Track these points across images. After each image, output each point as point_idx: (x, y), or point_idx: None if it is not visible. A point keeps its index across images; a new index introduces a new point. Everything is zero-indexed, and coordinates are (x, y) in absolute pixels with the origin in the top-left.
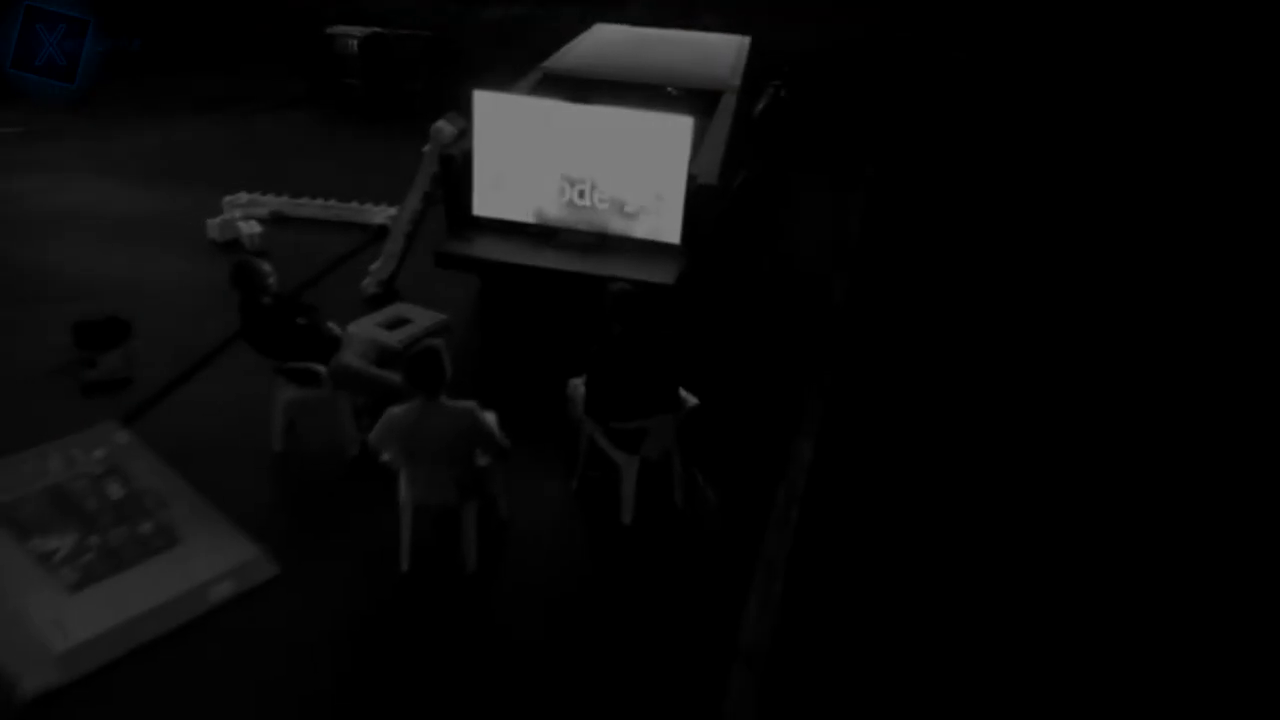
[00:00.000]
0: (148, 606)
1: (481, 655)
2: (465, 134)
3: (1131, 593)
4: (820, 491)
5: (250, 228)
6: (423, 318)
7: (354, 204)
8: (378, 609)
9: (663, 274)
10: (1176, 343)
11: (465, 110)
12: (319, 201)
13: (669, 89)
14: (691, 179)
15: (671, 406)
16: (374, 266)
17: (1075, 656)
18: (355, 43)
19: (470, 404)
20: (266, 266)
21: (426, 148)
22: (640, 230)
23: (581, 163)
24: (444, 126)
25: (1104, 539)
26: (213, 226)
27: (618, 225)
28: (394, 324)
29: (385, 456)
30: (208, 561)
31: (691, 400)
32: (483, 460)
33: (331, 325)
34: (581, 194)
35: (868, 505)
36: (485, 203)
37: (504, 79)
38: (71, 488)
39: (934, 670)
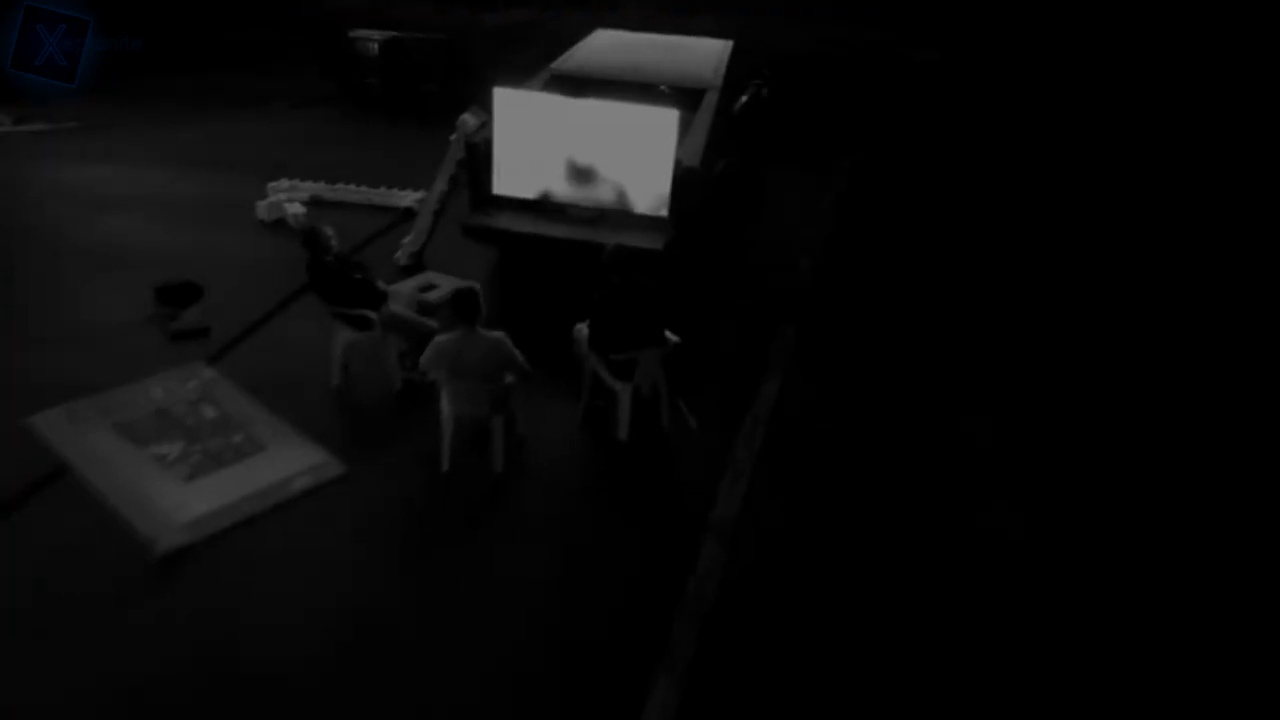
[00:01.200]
0: (246, 492)
1: (505, 535)
2: (486, 125)
3: (1055, 525)
4: (781, 418)
5: (294, 209)
6: (449, 283)
7: (382, 189)
8: (424, 499)
9: (653, 241)
10: (1109, 311)
11: (486, 104)
12: (351, 187)
13: (662, 87)
14: (678, 163)
15: (658, 342)
16: (406, 240)
17: (992, 559)
18: (375, 46)
19: (501, 333)
20: (330, 231)
21: (453, 136)
22: (634, 206)
23: (585, 149)
24: (468, 118)
25: (1015, 458)
26: (261, 208)
27: (615, 202)
28: (424, 289)
29: (432, 376)
30: (288, 462)
31: (674, 339)
32: (509, 379)
33: (380, 282)
34: (593, 175)
35: (820, 431)
36: (503, 183)
37: (508, 78)
38: (174, 410)
39: (867, 550)
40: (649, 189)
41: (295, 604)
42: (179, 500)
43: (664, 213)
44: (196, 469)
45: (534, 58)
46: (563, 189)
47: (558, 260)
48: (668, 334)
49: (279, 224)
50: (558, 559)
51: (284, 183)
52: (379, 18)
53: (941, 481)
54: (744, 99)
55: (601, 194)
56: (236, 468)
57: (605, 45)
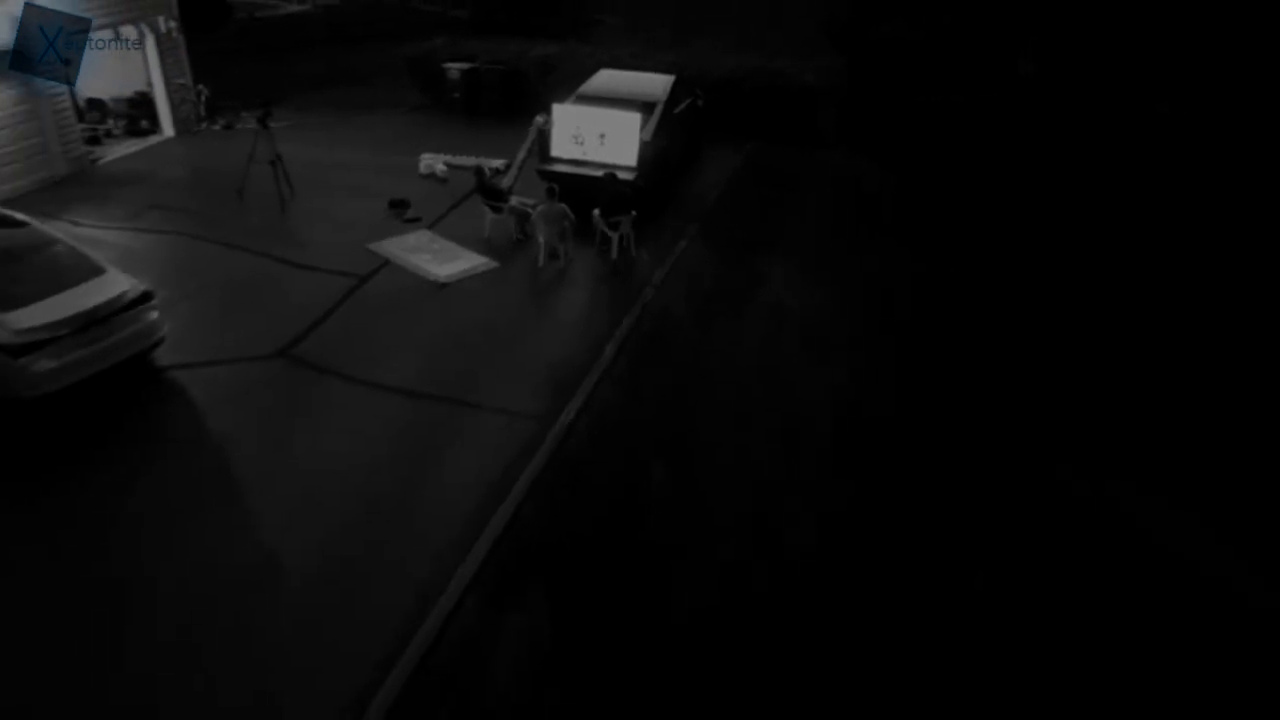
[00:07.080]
0: (463, 269)
1: (564, 286)
2: (548, 120)
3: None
4: (686, 258)
5: (439, 167)
6: (529, 201)
7: (480, 158)
8: (528, 277)
9: (629, 176)
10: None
11: (548, 110)
12: (463, 156)
13: (636, 101)
14: (641, 140)
15: (628, 212)
16: (504, 180)
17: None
18: (458, 72)
19: (564, 204)
20: (485, 166)
21: (530, 127)
22: (619, 161)
23: (597, 132)
24: (538, 118)
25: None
26: (420, 166)
27: (610, 159)
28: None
29: (533, 231)
30: (475, 261)
31: (635, 213)
32: (567, 224)
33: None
34: (600, 145)
35: (700, 261)
36: (558, 150)
37: (555, 95)
38: (420, 243)
39: (717, 303)
40: (626, 152)
41: (492, 302)
42: (439, 269)
43: (634, 163)
44: (440, 264)
45: (562, 79)
46: (587, 153)
47: (584, 187)
48: (634, 211)
49: (430, 176)
50: (588, 295)
51: (427, 155)
52: (463, 52)
53: (749, 267)
54: (683, 106)
55: (604, 154)
56: (456, 262)
57: (605, 78)
